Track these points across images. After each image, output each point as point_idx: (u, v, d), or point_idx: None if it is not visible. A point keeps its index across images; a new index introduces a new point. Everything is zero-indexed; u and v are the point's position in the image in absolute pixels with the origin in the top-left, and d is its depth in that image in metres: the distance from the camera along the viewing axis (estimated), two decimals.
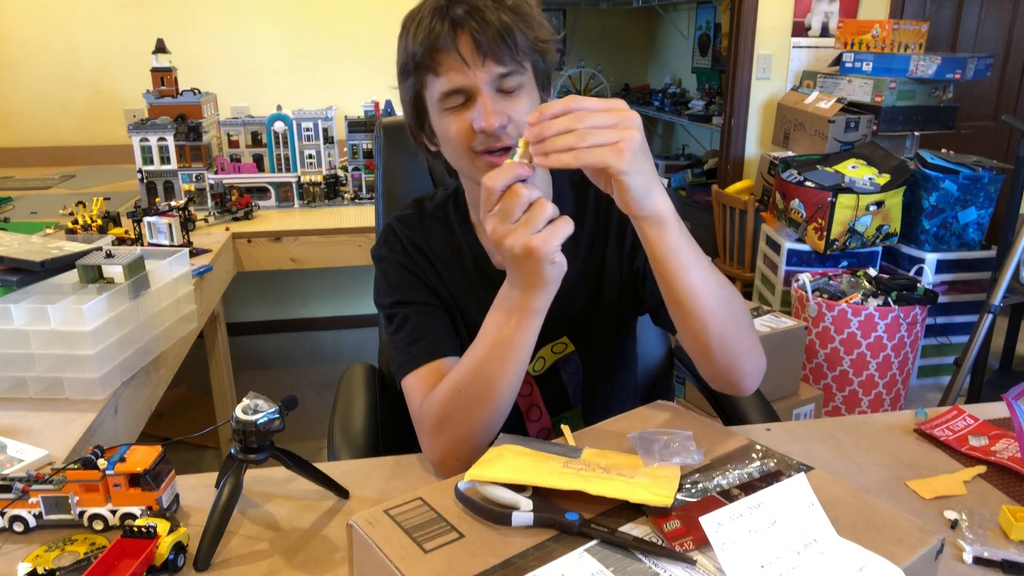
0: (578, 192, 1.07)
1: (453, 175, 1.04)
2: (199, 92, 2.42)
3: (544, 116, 0.71)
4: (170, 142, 2.30)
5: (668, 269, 0.80)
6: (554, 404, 1.09)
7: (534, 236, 0.73)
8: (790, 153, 3.33)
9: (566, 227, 0.74)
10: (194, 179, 2.35)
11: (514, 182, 0.73)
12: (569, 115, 0.71)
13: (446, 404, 0.89)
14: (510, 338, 0.84)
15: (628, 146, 0.70)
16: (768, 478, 0.72)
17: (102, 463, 0.80)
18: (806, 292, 2.66)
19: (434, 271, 1.04)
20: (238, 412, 0.79)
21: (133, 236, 1.85)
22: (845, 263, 2.97)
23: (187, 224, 1.91)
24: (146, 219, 1.84)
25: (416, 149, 1.07)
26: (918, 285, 2.67)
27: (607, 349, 1.09)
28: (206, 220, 2.28)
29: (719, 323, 0.83)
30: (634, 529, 0.64)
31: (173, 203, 1.98)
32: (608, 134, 0.70)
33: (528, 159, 0.73)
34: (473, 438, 0.88)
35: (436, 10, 0.87)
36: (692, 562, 0.60)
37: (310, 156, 2.50)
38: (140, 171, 2.31)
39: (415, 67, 0.90)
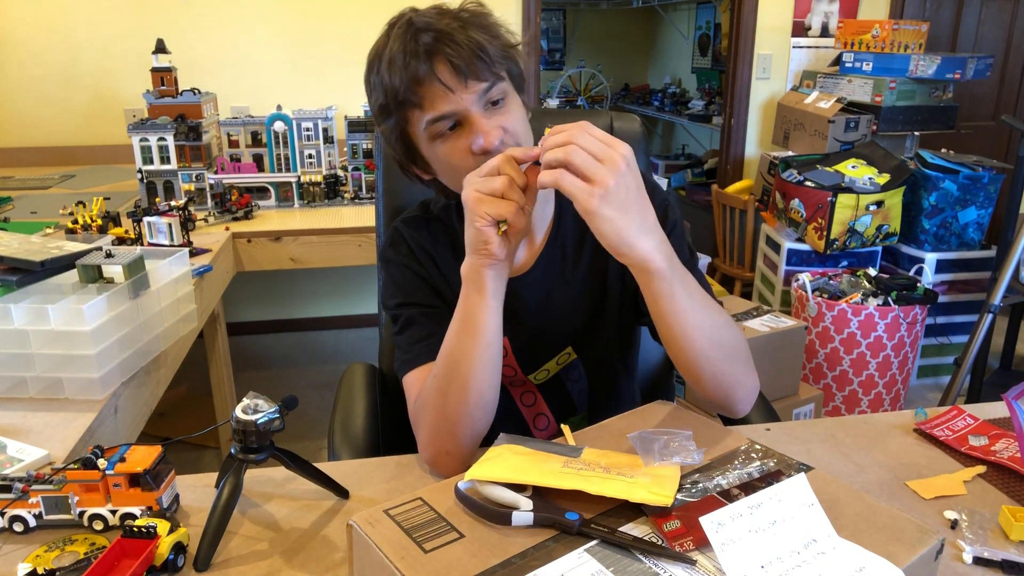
0: None
1: (451, 196, 1.04)
2: (199, 92, 2.42)
3: (554, 131, 0.76)
4: (170, 142, 2.30)
5: (659, 314, 0.82)
6: (560, 411, 1.10)
7: (474, 190, 0.80)
8: (790, 153, 3.33)
9: (503, 208, 0.79)
10: (194, 179, 2.35)
11: (527, 160, 0.79)
12: (574, 129, 0.74)
13: (428, 392, 0.91)
14: (464, 314, 0.86)
15: (603, 192, 0.72)
16: (768, 478, 0.72)
17: (102, 463, 0.80)
18: (806, 292, 2.66)
19: (439, 273, 1.04)
20: (238, 412, 0.79)
21: (133, 236, 1.85)
22: (845, 263, 2.97)
23: (187, 224, 1.91)
24: (146, 219, 1.84)
25: None
26: (918, 285, 2.67)
27: (610, 355, 1.09)
28: (206, 220, 2.28)
29: (711, 361, 0.85)
30: (634, 529, 0.64)
31: (173, 203, 1.98)
32: (589, 165, 0.72)
33: None
34: (456, 428, 0.88)
35: (404, 45, 0.87)
36: (692, 562, 0.60)
37: (310, 156, 2.50)
38: (140, 171, 2.31)
39: (397, 105, 0.90)
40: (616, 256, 0.78)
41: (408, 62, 0.86)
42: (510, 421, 1.07)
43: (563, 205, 1.06)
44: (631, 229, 0.75)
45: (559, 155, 0.73)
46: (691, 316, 0.82)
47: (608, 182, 0.72)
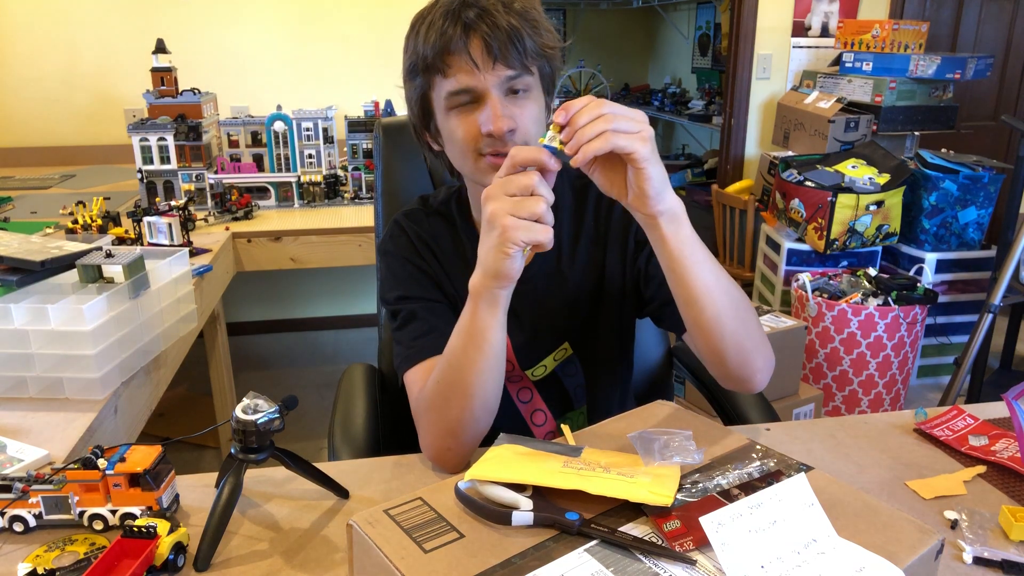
0: (578, 197, 1.07)
1: (455, 175, 1.04)
2: (199, 92, 2.42)
3: (570, 111, 0.74)
4: (170, 142, 2.30)
5: (682, 267, 0.81)
6: (558, 406, 1.10)
7: (510, 218, 0.75)
8: (790, 153, 3.33)
9: (540, 234, 0.76)
10: (194, 179, 2.35)
11: (534, 165, 0.76)
12: (594, 104, 0.73)
13: (430, 396, 0.90)
14: (469, 325, 0.85)
15: (649, 135, 0.74)
16: (768, 478, 0.72)
17: (102, 463, 0.80)
18: (806, 292, 2.66)
19: (440, 267, 1.04)
20: (238, 412, 0.79)
21: (133, 236, 1.85)
22: (845, 263, 2.97)
23: (187, 224, 1.91)
24: (146, 219, 1.84)
25: (416, 149, 1.07)
26: (918, 285, 2.67)
27: (607, 350, 1.09)
28: (206, 220, 2.28)
29: (731, 320, 0.84)
30: (634, 529, 0.64)
31: (173, 203, 1.98)
32: (631, 124, 0.73)
33: (558, 145, 0.75)
34: (459, 430, 0.88)
35: (448, 13, 0.88)
36: (692, 562, 0.60)
37: (310, 156, 2.50)
38: (140, 171, 2.31)
39: (424, 68, 0.91)
40: (655, 205, 0.76)
41: (445, 30, 0.88)
42: (507, 418, 1.07)
43: (560, 198, 1.06)
44: (666, 177, 0.77)
45: (602, 125, 0.72)
46: (709, 268, 0.82)
47: (649, 131, 0.74)
